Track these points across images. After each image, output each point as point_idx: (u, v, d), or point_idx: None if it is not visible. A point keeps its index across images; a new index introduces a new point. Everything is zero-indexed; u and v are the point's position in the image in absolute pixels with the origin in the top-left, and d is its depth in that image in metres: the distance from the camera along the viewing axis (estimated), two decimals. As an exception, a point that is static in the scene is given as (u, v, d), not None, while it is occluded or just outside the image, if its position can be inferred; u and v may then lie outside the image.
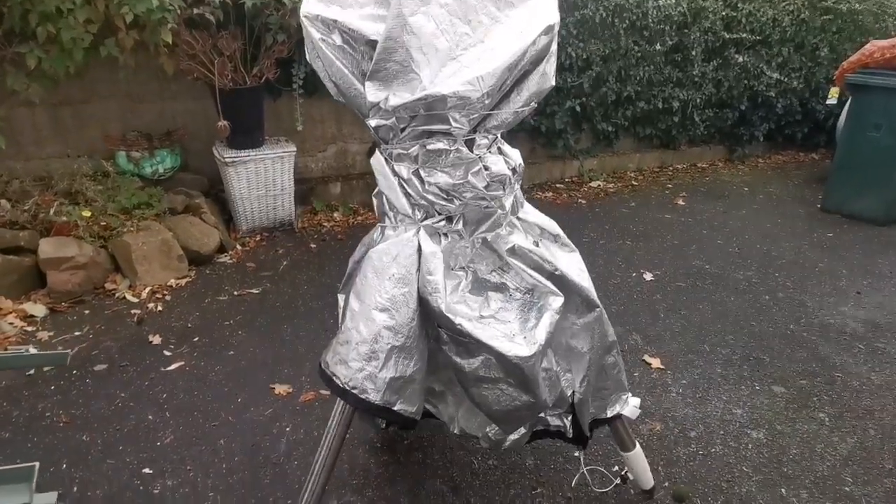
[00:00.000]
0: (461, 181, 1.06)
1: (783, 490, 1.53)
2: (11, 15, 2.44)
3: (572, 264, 1.24)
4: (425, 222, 1.10)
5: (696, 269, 2.99)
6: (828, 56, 5.37)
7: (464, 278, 1.16)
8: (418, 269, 1.08)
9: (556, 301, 1.15)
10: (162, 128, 3.20)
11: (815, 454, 1.68)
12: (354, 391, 1.06)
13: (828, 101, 4.68)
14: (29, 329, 2.25)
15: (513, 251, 1.16)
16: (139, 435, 1.70)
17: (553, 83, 1.11)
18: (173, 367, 2.04)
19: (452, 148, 1.04)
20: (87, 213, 2.60)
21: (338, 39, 1.04)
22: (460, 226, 1.12)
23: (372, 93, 1.04)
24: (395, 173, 1.11)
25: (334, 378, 1.08)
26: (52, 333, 2.23)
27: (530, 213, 1.25)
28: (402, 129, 1.07)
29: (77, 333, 2.24)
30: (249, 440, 1.68)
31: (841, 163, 3.96)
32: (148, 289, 2.58)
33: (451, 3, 1.01)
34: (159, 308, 2.45)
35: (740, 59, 4.94)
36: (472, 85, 0.98)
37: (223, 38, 2.80)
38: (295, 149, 3.23)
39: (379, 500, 1.46)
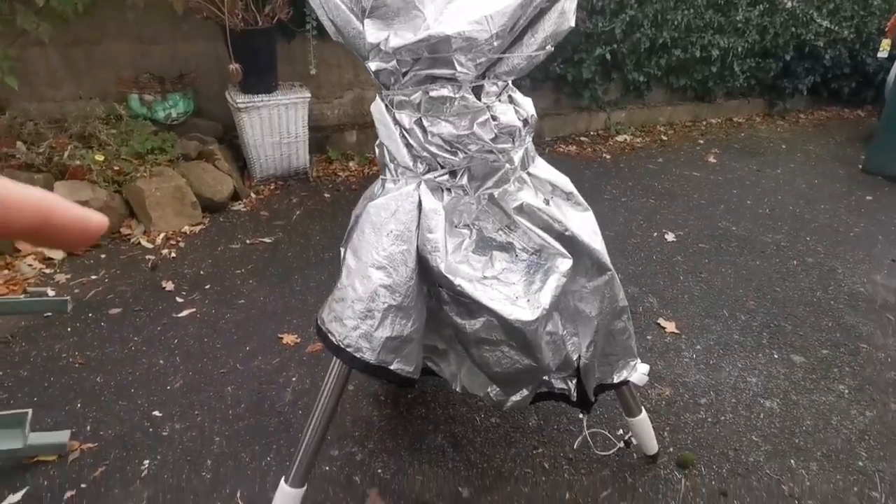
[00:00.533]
0: (466, 132, 0.98)
1: (792, 461, 1.50)
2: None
3: (585, 225, 1.17)
4: (427, 176, 1.03)
5: (722, 231, 2.87)
6: (881, 5, 4.93)
7: (467, 236, 1.10)
8: (418, 226, 1.03)
9: (564, 263, 1.09)
10: (174, 71, 3.13)
11: (830, 426, 1.62)
12: (349, 349, 1.03)
13: (878, 54, 4.32)
14: (47, 271, 2.29)
15: (521, 209, 1.09)
16: (150, 378, 1.73)
17: (572, 23, 1.00)
18: (185, 313, 2.06)
19: (457, 95, 0.96)
20: (100, 158, 2.59)
21: (335, -28, 0.94)
22: (465, 180, 1.05)
23: (371, 32, 0.96)
24: (397, 122, 1.04)
25: (329, 335, 1.05)
26: (69, 276, 2.26)
27: (542, 168, 1.16)
28: (404, 74, 0.98)
29: (93, 277, 2.27)
30: (256, 388, 1.70)
31: (888, 121, 3.69)
32: (162, 235, 2.59)
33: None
34: (173, 255, 2.46)
35: (789, 4, 4.56)
36: (480, 24, 0.88)
37: (233, -26, 2.67)
38: (309, 95, 3.14)
39: (379, 452, 1.48)
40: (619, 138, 4.51)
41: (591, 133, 4.57)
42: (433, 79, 0.96)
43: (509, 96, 1.05)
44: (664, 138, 4.60)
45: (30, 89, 2.90)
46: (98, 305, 2.09)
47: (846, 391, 1.77)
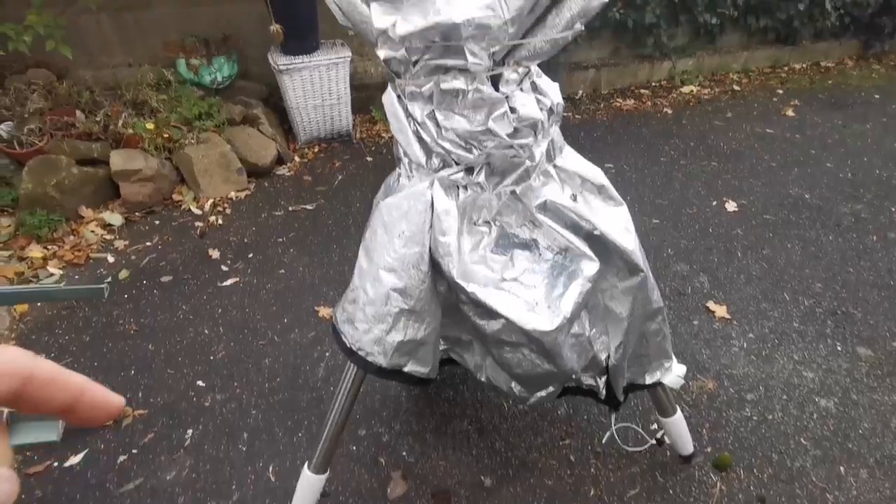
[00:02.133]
0: (481, 128, 0.90)
1: (842, 468, 1.39)
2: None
3: (616, 222, 1.07)
4: (440, 174, 0.97)
5: (793, 200, 2.60)
6: None
7: (487, 234, 1.04)
8: (431, 227, 0.97)
9: (590, 267, 1.01)
10: (219, 33, 3.12)
11: (889, 431, 1.48)
12: (361, 353, 1.02)
13: None
14: (108, 238, 2.43)
15: (544, 207, 1.01)
16: (196, 348, 1.83)
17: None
18: (229, 282, 2.14)
19: (471, 87, 0.87)
20: (150, 126, 2.66)
21: (337, -50, 0.86)
22: (482, 177, 0.97)
23: (378, 17, 0.87)
24: (409, 114, 0.96)
25: (342, 336, 1.04)
26: (126, 242, 2.39)
27: (570, 159, 1.06)
28: (415, 63, 0.90)
29: (147, 244, 2.39)
30: (291, 362, 1.76)
31: None
32: (210, 201, 2.67)
33: None
34: (219, 222, 2.53)
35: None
36: (492, 9, 0.78)
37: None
38: (350, 54, 3.05)
39: (405, 434, 1.50)
40: (685, 89, 4.14)
41: (654, 84, 4.22)
42: (445, 69, 0.88)
43: (532, 83, 0.95)
44: (736, 88, 4.18)
45: (87, 57, 2.99)
46: (151, 273, 2.20)
47: (918, 391, 1.61)
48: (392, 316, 1.00)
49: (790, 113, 3.66)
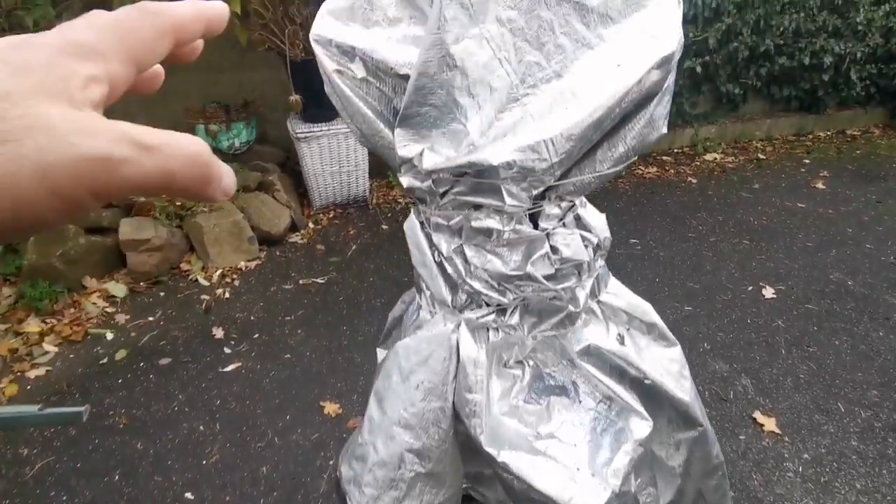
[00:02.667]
0: (517, 272, 0.77)
1: None
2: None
3: (669, 367, 0.92)
4: (467, 315, 0.84)
5: (835, 286, 2.43)
6: None
7: (519, 378, 0.90)
8: (454, 378, 0.83)
9: (641, 428, 0.85)
10: (240, 98, 3.12)
11: None
12: (368, 523, 0.86)
13: None
14: (109, 310, 2.32)
15: (587, 352, 0.87)
16: (188, 448, 1.67)
17: (664, 130, 0.76)
18: (230, 367, 2.01)
19: (507, 228, 0.75)
20: (162, 194, 2.61)
21: (359, 70, 0.76)
22: (515, 319, 0.84)
23: (402, 144, 0.77)
24: (433, 245, 0.84)
25: (347, 498, 0.89)
26: (128, 317, 2.29)
27: (616, 293, 0.93)
28: (443, 195, 0.79)
29: (150, 319, 2.28)
30: (291, 471, 1.59)
31: None
32: (219, 271, 2.57)
33: (515, 19, 0.69)
34: (227, 295, 2.43)
35: (926, 1, 3.87)
36: (537, 152, 0.66)
37: (295, 5, 2.58)
38: (369, 122, 3.01)
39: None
40: (708, 157, 4.06)
41: (675, 151, 4.14)
42: (476, 205, 0.76)
43: (576, 217, 0.83)
44: (761, 157, 4.08)
45: (106, 120, 2.99)
46: (150, 353, 2.08)
47: None
48: (406, 482, 0.84)
49: (820, 185, 3.53)
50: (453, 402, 0.84)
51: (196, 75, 3.04)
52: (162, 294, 2.44)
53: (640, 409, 0.86)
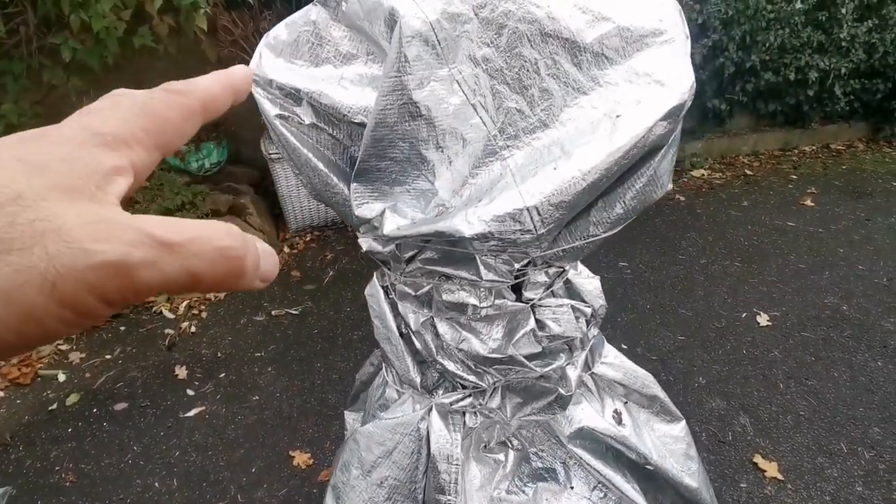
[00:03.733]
0: (498, 353, 0.65)
1: None
2: (43, 1, 2.24)
3: (674, 447, 0.80)
4: (440, 399, 0.71)
5: (830, 311, 2.35)
6: None
7: (502, 464, 0.77)
8: (424, 473, 0.71)
9: (644, 526, 0.73)
10: (210, 116, 2.97)
11: None
12: None
13: None
14: (63, 348, 2.15)
15: (579, 435, 0.75)
16: (141, 511, 1.52)
17: (669, 187, 0.65)
18: (193, 412, 1.85)
19: (483, 304, 0.63)
20: (124, 220, 2.45)
21: (307, 115, 0.64)
22: (496, 402, 0.72)
23: (360, 202, 0.64)
24: (399, 316, 0.72)
25: None
26: (84, 355, 2.12)
27: (612, 362, 0.81)
28: (408, 261, 0.66)
29: (107, 357, 2.11)
30: (255, 536, 1.44)
31: None
32: (185, 303, 2.41)
33: (492, 58, 0.57)
34: (193, 329, 2.27)
35: (907, 18, 3.88)
36: (519, 223, 0.54)
37: (266, 20, 2.46)
38: (347, 141, 2.89)
39: None
40: (695, 173, 4.00)
41: (662, 167, 4.07)
42: (447, 276, 0.64)
43: (566, 282, 0.71)
44: (748, 172, 4.03)
45: (67, 140, 2.82)
46: (105, 398, 1.91)
47: None
48: None
49: (809, 202, 3.48)
50: (423, 503, 0.71)
51: (164, 93, 2.89)
52: (122, 328, 2.28)
53: (640, 500, 0.74)
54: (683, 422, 0.84)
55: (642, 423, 0.80)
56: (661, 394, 0.83)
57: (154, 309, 2.38)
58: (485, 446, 0.78)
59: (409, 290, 0.68)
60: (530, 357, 0.66)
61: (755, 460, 1.63)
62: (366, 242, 0.67)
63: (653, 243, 2.95)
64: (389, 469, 0.71)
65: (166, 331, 2.26)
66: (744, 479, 1.58)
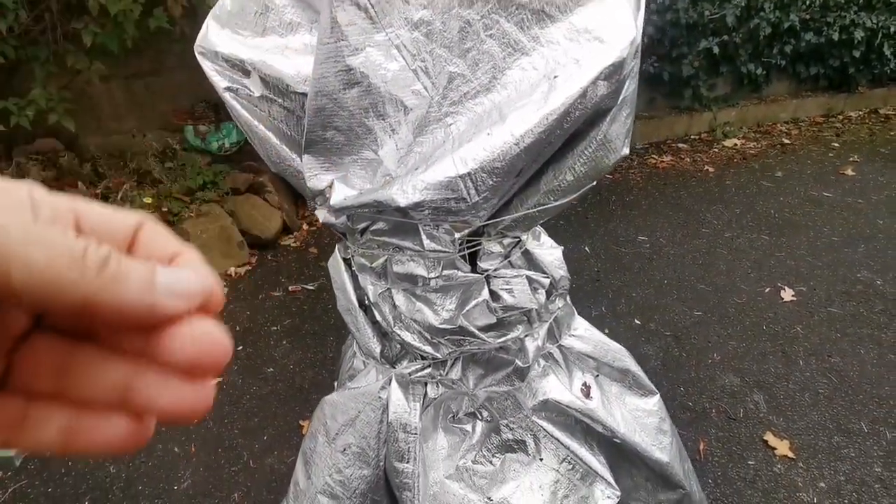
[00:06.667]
0: (448, 324, 0.65)
1: None
2: (65, -13, 2.31)
3: (646, 420, 0.79)
4: (399, 369, 0.72)
5: (862, 286, 2.23)
6: None
7: (469, 434, 0.78)
8: (385, 442, 0.72)
9: (607, 498, 0.73)
10: (229, 96, 3.02)
11: None
12: None
13: None
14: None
15: (544, 407, 0.74)
16: (160, 473, 1.61)
17: (625, 152, 0.62)
18: (212, 382, 1.93)
19: (433, 275, 0.63)
20: (148, 200, 2.54)
21: (256, 87, 0.64)
22: (456, 373, 0.72)
23: (312, 174, 0.65)
24: (359, 287, 0.72)
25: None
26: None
27: (582, 336, 0.80)
28: (362, 232, 0.66)
29: (135, 330, 2.22)
30: (263, 498, 1.51)
31: None
32: (207, 279, 2.50)
33: (430, 20, 0.56)
34: (213, 304, 2.35)
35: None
36: (453, 191, 0.53)
37: (276, -4, 2.46)
38: (362, 118, 2.89)
39: None
40: (728, 143, 3.82)
41: (692, 138, 3.91)
42: (398, 247, 0.64)
43: (524, 252, 0.69)
44: (786, 141, 3.83)
45: (96, 123, 2.93)
46: (131, 368, 2.02)
47: None
48: (332, 560, 0.74)
49: (850, 172, 3.28)
50: (385, 470, 0.72)
51: (185, 74, 2.95)
52: (149, 303, 2.38)
53: (607, 475, 0.73)
54: (657, 396, 0.82)
55: (613, 397, 0.79)
56: (634, 367, 0.81)
57: (178, 285, 2.48)
58: (453, 417, 0.78)
59: (366, 262, 0.68)
60: (485, 328, 0.66)
61: (766, 438, 1.58)
62: (321, 214, 0.67)
63: (675, 216, 2.85)
64: (352, 437, 0.72)
65: (189, 306, 2.35)
66: (752, 456, 1.54)
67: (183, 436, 1.73)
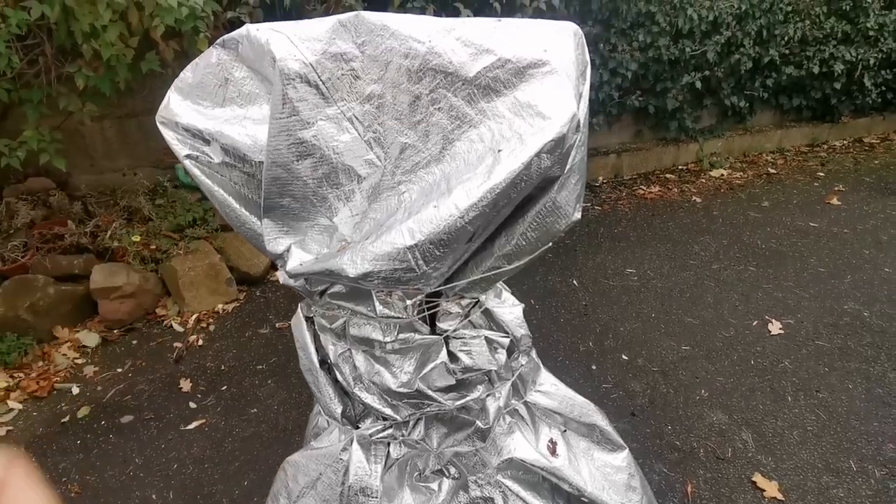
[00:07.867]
0: (406, 388, 0.65)
1: None
2: (59, 33, 2.36)
3: (615, 477, 0.78)
4: (362, 430, 0.71)
5: (849, 318, 2.23)
6: None
7: (435, 493, 0.76)
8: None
9: (574, 561, 0.71)
10: (221, 133, 3.07)
11: None
12: None
13: None
14: (79, 361, 2.26)
15: (510, 465, 0.73)
16: (137, 522, 1.57)
17: (577, 216, 0.63)
18: (193, 425, 1.90)
19: (387, 339, 0.63)
20: (136, 238, 2.55)
21: (216, 154, 0.65)
22: (419, 433, 0.71)
23: (271, 237, 0.65)
24: (321, 347, 0.72)
25: None
26: (97, 369, 2.21)
27: (548, 390, 0.79)
28: (321, 294, 0.67)
29: (118, 370, 2.20)
30: (241, 550, 1.47)
31: None
32: (194, 316, 2.49)
33: (381, 94, 0.57)
34: (200, 342, 2.34)
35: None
36: (402, 262, 0.54)
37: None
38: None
39: None
40: (714, 173, 3.87)
41: (680, 168, 3.97)
42: (353, 311, 0.64)
43: (485, 311, 0.70)
44: (772, 171, 3.88)
45: (89, 161, 2.96)
46: (113, 410, 1.99)
47: None
48: None
49: (835, 201, 3.32)
50: (347, 535, 0.71)
51: (177, 113, 3.00)
52: (134, 342, 2.37)
53: (574, 536, 0.72)
54: (626, 451, 0.81)
55: (581, 452, 0.78)
56: (602, 422, 0.80)
57: (165, 323, 2.47)
58: (419, 474, 0.77)
59: (326, 323, 0.69)
60: (444, 390, 0.66)
61: (754, 479, 1.56)
62: (281, 276, 0.68)
63: (663, 248, 2.87)
64: (313, 499, 0.71)
65: (175, 344, 2.33)
66: (741, 498, 1.51)
67: (161, 482, 1.70)
